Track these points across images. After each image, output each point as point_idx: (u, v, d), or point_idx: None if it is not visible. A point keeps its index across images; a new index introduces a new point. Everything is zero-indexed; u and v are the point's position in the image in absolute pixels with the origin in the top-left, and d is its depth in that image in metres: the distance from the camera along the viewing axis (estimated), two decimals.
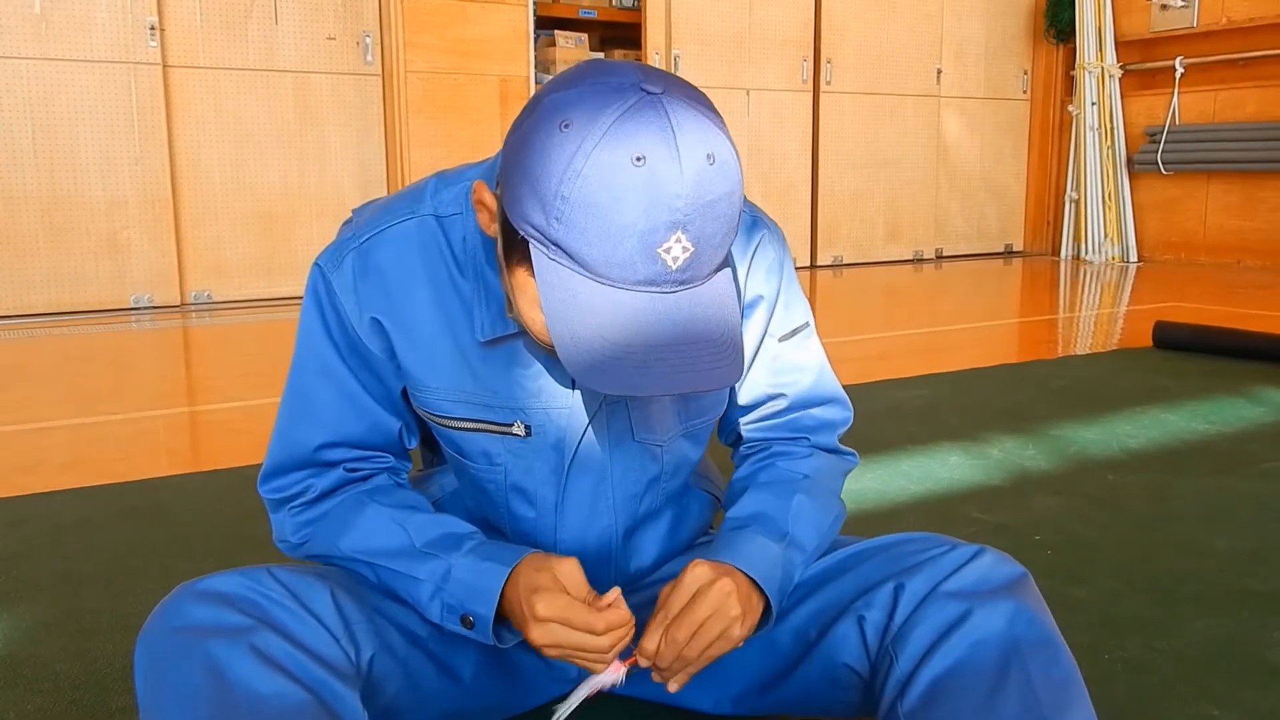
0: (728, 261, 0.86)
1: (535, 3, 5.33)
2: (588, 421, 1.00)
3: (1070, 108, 6.94)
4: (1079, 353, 3.63)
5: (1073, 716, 0.85)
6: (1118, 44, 6.72)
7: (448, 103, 5.11)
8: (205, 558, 1.68)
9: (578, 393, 0.99)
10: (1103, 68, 6.68)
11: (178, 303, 4.78)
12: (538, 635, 0.88)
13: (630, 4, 6.10)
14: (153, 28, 4.54)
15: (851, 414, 1.15)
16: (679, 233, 0.77)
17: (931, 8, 6.74)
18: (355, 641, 0.92)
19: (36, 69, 4.36)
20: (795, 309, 1.09)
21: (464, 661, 1.02)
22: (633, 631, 0.90)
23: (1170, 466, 2.16)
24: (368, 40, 5.03)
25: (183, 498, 2.00)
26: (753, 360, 1.08)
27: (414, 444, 1.10)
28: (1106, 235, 6.77)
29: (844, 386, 1.16)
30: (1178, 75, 6.47)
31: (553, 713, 0.93)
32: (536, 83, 5.33)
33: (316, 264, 1.00)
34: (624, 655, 0.92)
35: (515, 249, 0.82)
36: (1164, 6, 6.46)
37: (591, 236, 0.77)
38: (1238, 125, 6.23)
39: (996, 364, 3.34)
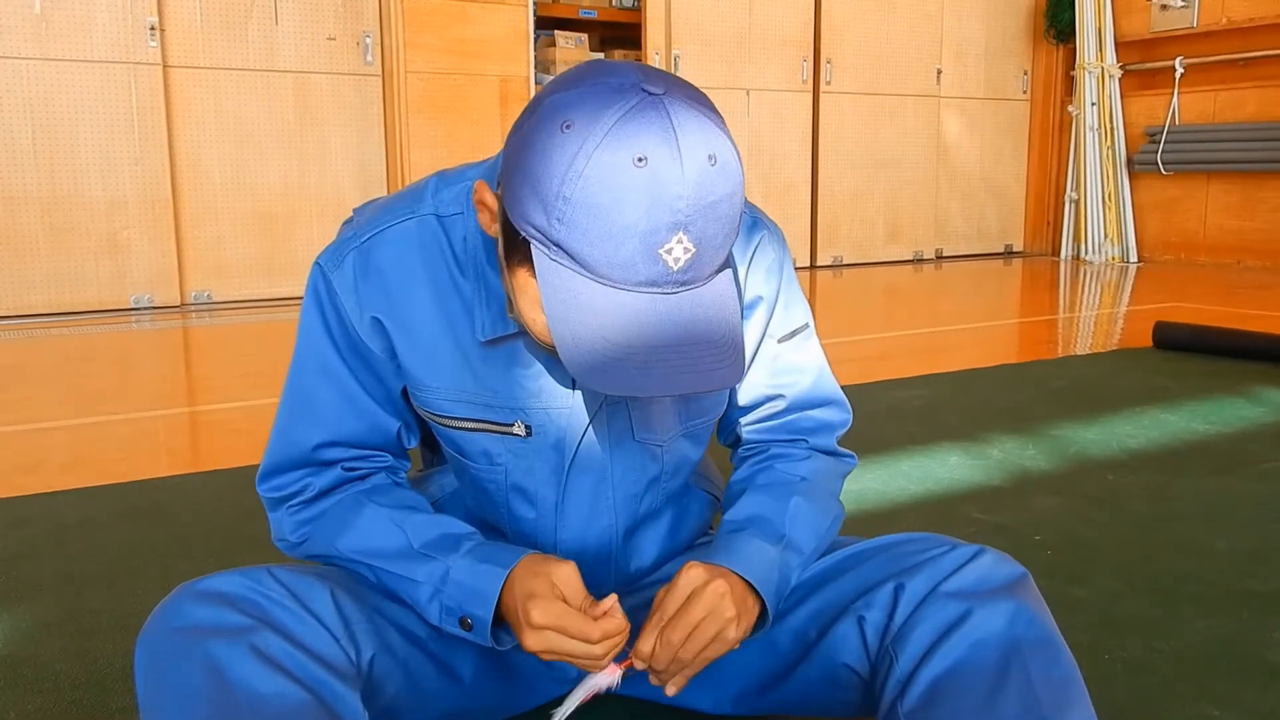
0: (729, 262, 0.87)
1: (535, 3, 5.33)
2: (588, 421, 1.00)
3: (1070, 108, 6.94)
4: (1079, 353, 3.63)
5: (1073, 717, 0.85)
6: (1118, 44, 6.72)
7: (448, 103, 5.11)
8: (205, 558, 1.68)
9: (578, 393, 0.99)
10: (1103, 68, 6.68)
11: (178, 303, 4.78)
12: (532, 642, 0.88)
13: (630, 4, 6.10)
14: (153, 28, 4.54)
15: (850, 416, 1.15)
16: (680, 233, 0.77)
17: (931, 8, 6.74)
18: (355, 641, 0.92)
19: (36, 69, 4.36)
20: (795, 310, 1.09)
21: (464, 662, 1.02)
22: (627, 635, 0.90)
23: (1170, 466, 2.16)
24: (368, 40, 5.03)
25: (183, 498, 2.00)
26: (752, 361, 1.08)
27: (413, 444, 1.10)
28: (1106, 235, 6.77)
29: (844, 387, 1.16)
30: (1178, 75, 6.47)
31: (551, 715, 0.93)
32: (536, 83, 5.34)
33: (317, 263, 1.00)
34: (620, 657, 0.92)
35: (516, 249, 0.82)
36: (1164, 7, 6.46)
37: (593, 237, 0.77)
38: (1238, 125, 6.23)
39: (996, 364, 3.34)
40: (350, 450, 1.04)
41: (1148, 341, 3.56)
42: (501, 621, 0.95)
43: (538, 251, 0.80)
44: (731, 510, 1.06)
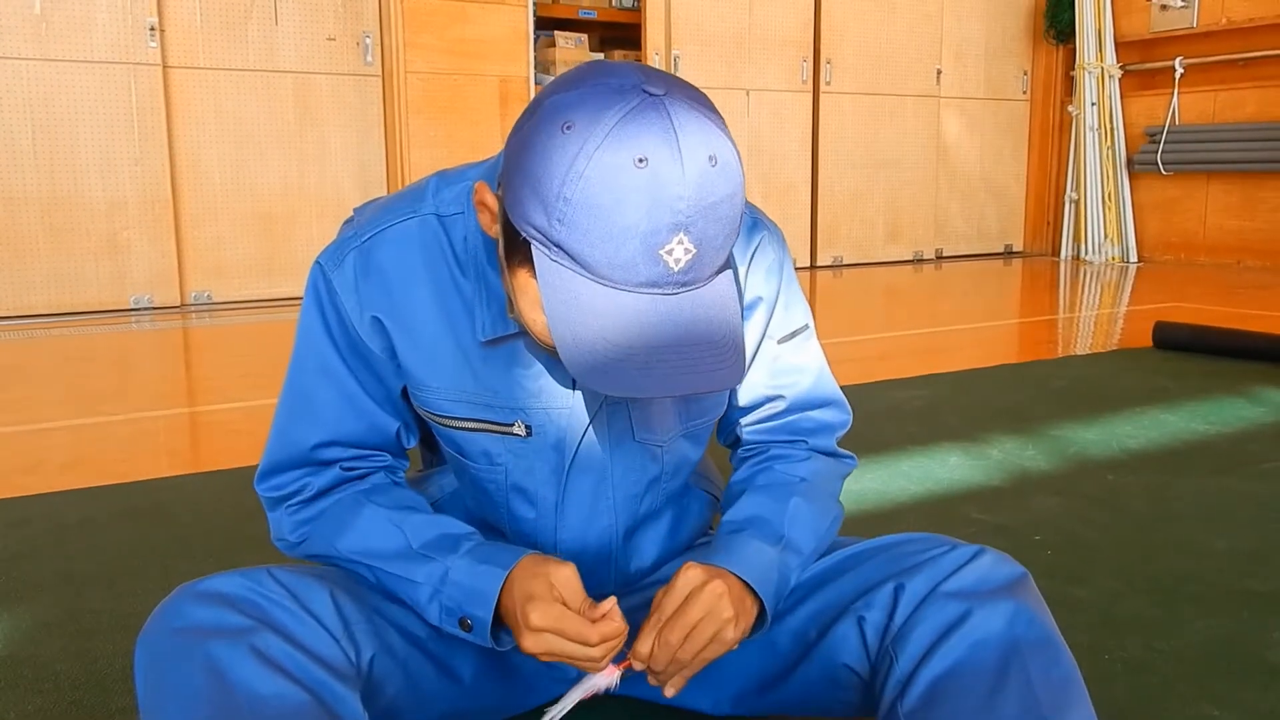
0: (729, 263, 0.87)
1: (535, 3, 5.33)
2: (588, 422, 1.00)
3: (1070, 108, 6.94)
4: (1079, 353, 3.63)
5: (1073, 717, 0.85)
6: (1117, 44, 6.72)
7: (447, 103, 5.11)
8: (205, 558, 1.68)
9: (578, 393, 0.99)
10: (1102, 68, 6.68)
11: (178, 303, 4.78)
12: (530, 644, 0.88)
13: (630, 4, 6.10)
14: (153, 28, 4.54)
15: (850, 417, 1.15)
16: (681, 234, 0.78)
17: (931, 8, 6.74)
18: (355, 642, 0.92)
19: (36, 70, 4.36)
20: (795, 311, 1.09)
21: (463, 662, 1.02)
22: (626, 636, 0.90)
23: (1170, 467, 2.16)
24: (368, 41, 5.03)
25: (183, 498, 2.00)
26: (751, 362, 1.08)
27: (412, 444, 1.10)
28: (1106, 235, 6.77)
29: (844, 387, 1.16)
30: (1177, 75, 6.47)
31: (546, 714, 0.93)
32: (536, 83, 5.34)
33: (317, 262, 1.00)
34: (619, 658, 0.92)
35: (517, 250, 0.82)
36: (1164, 7, 6.46)
37: (594, 238, 0.77)
38: (1237, 125, 6.23)
39: (996, 364, 3.34)
40: (349, 450, 1.04)
41: (1148, 341, 3.56)
42: (502, 622, 0.95)
43: (538, 252, 0.80)
44: (731, 511, 1.06)
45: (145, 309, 4.69)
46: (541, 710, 0.95)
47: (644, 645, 0.92)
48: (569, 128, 0.77)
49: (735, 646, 0.94)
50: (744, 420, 1.12)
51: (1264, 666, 1.29)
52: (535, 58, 5.39)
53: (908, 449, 2.30)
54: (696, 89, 0.82)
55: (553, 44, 5.71)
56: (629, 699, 1.11)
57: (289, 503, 1.05)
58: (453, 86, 5.11)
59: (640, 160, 0.76)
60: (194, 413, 2.84)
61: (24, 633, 1.41)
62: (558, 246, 0.79)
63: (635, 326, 0.79)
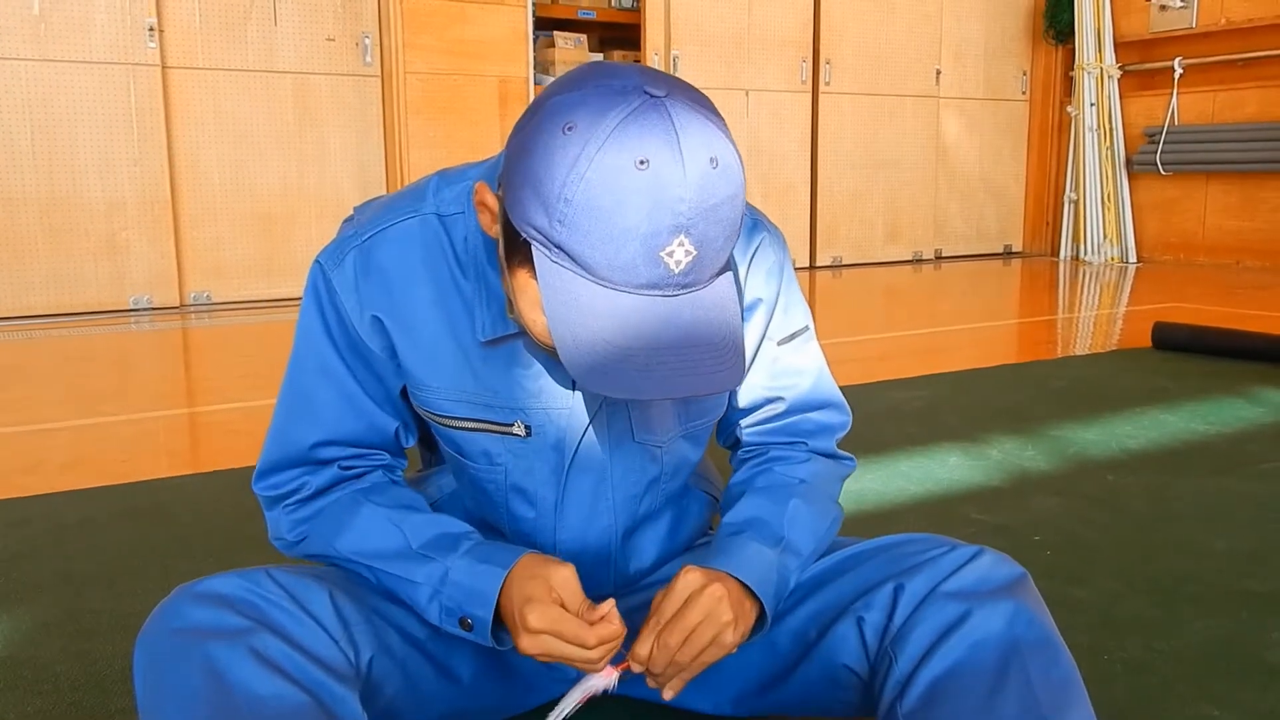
0: (730, 265, 0.87)
1: (534, 4, 5.33)
2: (588, 422, 1.00)
3: (1069, 108, 6.94)
4: (1078, 353, 3.63)
5: (1072, 717, 0.85)
6: (1117, 45, 6.73)
7: (447, 104, 5.11)
8: (205, 558, 1.68)
9: (578, 393, 0.99)
10: (1102, 68, 6.69)
11: (177, 304, 4.77)
12: (528, 645, 0.88)
13: (629, 5, 6.10)
14: (151, 29, 4.54)
15: (850, 419, 1.15)
16: (681, 236, 0.78)
17: (931, 8, 6.74)
18: (354, 643, 0.92)
19: (35, 70, 4.36)
20: (795, 312, 1.09)
21: (463, 662, 1.02)
22: (624, 638, 0.90)
23: (1170, 467, 2.16)
24: (367, 41, 5.03)
25: (183, 498, 2.00)
26: (751, 363, 1.08)
27: (411, 443, 1.09)
28: (1105, 236, 6.77)
29: (843, 388, 1.16)
30: (1177, 76, 6.48)
31: (546, 718, 0.93)
32: (536, 84, 5.34)
33: (317, 262, 1.00)
34: (618, 659, 0.92)
35: (517, 250, 0.82)
36: (1163, 7, 6.46)
37: (594, 239, 0.77)
38: (1237, 126, 6.24)
39: (996, 364, 3.34)
40: (347, 449, 1.04)
41: (1147, 342, 3.56)
42: (501, 621, 0.95)
43: (539, 253, 0.80)
44: (730, 513, 1.06)
45: (145, 309, 4.69)
46: (541, 710, 0.95)
47: (643, 648, 0.92)
48: (570, 129, 0.77)
49: (734, 650, 0.94)
50: (743, 422, 1.12)
51: (1263, 667, 1.29)
52: (534, 58, 5.39)
53: (907, 449, 2.30)
54: (698, 90, 0.82)
55: (552, 44, 5.71)
56: (629, 699, 1.11)
57: (286, 502, 1.05)
58: (452, 87, 5.11)
59: (641, 162, 0.76)
60: (194, 413, 2.84)
61: (24, 633, 1.41)
62: (558, 247, 0.79)
63: (635, 328, 0.79)
